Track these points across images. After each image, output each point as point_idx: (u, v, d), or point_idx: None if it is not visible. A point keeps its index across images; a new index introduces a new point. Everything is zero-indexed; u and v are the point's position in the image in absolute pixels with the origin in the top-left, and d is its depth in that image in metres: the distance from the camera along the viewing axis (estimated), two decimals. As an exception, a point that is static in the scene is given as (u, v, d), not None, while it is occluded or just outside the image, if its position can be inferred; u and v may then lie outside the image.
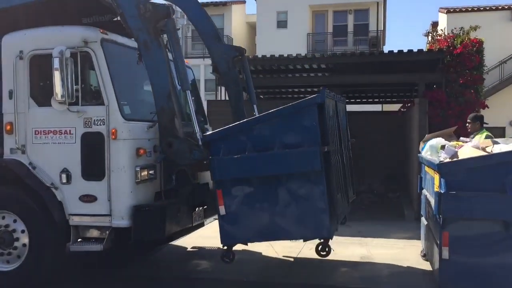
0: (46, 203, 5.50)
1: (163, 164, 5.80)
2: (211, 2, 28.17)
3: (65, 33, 5.59)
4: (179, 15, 19.03)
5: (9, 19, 5.97)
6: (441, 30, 11.78)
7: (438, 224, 5.12)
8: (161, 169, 5.83)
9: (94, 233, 5.57)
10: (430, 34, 14.03)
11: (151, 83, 5.55)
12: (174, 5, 6.16)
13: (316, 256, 6.58)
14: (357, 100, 15.40)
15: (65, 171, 5.51)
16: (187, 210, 6.08)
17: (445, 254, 4.95)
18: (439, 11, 23.77)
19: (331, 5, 26.92)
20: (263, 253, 7.26)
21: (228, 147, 5.32)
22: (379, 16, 26.84)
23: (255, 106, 7.05)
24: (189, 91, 5.66)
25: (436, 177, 5.26)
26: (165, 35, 5.57)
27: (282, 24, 27.64)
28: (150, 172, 5.65)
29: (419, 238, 7.32)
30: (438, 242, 5.11)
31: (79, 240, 5.60)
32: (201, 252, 7.54)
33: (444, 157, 5.44)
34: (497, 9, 21.73)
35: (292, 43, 25.18)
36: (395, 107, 13.24)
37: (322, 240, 6.37)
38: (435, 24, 24.22)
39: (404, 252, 7.39)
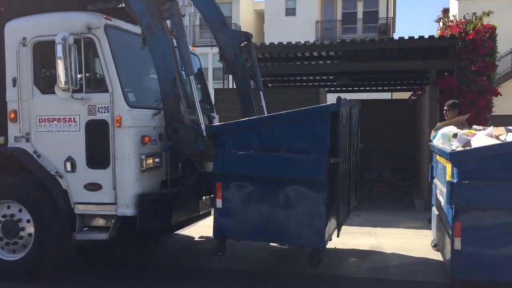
0: (51, 192, 5.45)
1: (169, 152, 5.73)
2: (219, -11, 27.93)
3: (68, 19, 5.49)
4: (186, 2, 18.98)
5: (13, 6, 5.88)
6: (453, 16, 11.53)
7: (450, 214, 5.00)
8: (167, 158, 5.75)
9: (100, 222, 5.53)
10: (441, 20, 13.73)
11: (156, 68, 5.45)
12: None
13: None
14: (367, 88, 15.21)
15: (69, 159, 5.45)
16: (194, 198, 6.02)
17: (457, 244, 4.83)
18: (450, -3, 23.41)
19: (340, -8, 26.68)
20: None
21: (235, 142, 5.21)
22: (388, 3, 26.42)
23: (261, 93, 6.94)
24: (193, 77, 5.51)
25: (448, 166, 5.13)
26: (169, 21, 5.45)
27: (290, 11, 27.34)
28: (156, 160, 5.57)
29: (429, 228, 7.20)
30: (450, 232, 4.99)
31: (84, 229, 5.55)
32: (208, 242, 7.47)
33: (456, 145, 5.32)
34: (509, -6, 21.29)
35: (300, 31, 24.91)
36: (405, 95, 13.03)
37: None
38: (446, 11, 23.80)
39: (414, 242, 7.29)
